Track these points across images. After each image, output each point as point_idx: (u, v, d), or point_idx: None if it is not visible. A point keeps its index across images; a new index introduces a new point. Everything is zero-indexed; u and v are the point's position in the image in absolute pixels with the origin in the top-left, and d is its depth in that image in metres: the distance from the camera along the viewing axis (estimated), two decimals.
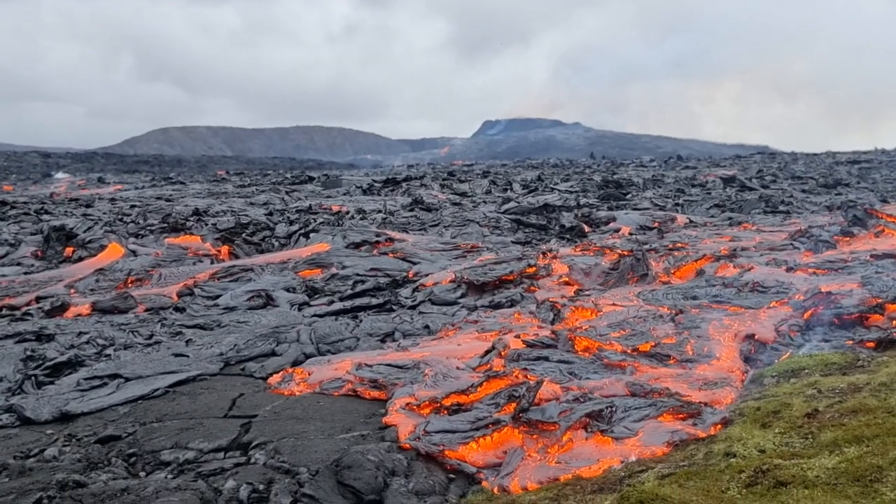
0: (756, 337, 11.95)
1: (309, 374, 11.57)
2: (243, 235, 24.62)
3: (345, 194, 40.95)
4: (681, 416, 8.80)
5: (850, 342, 11.72)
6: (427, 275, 19.07)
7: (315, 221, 26.51)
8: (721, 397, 9.36)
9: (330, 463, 7.81)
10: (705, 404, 9.18)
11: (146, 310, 16.33)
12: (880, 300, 13.15)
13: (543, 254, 20.76)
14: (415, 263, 20.59)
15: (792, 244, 21.01)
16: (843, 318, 12.72)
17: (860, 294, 13.66)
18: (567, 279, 17.75)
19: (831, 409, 7.64)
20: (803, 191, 41.45)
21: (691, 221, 29.15)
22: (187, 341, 13.84)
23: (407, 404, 9.98)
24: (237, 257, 22.82)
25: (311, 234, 23.87)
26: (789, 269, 16.93)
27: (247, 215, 28.50)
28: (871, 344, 11.50)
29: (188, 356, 12.70)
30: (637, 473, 7.17)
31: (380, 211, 30.82)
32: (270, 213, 29.69)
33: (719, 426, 8.17)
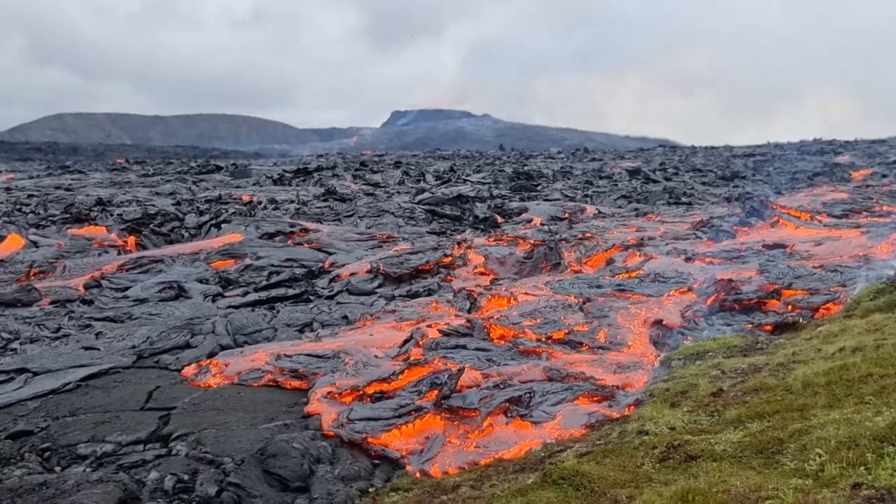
0: (664, 322, 12.52)
1: (227, 366, 11.48)
2: (151, 226, 24.04)
3: (255, 184, 40.32)
4: (596, 398, 9.19)
5: (750, 326, 12.43)
6: (343, 265, 19.09)
7: (226, 212, 26.10)
8: (634, 380, 9.81)
9: (255, 452, 7.85)
10: (618, 387, 9.60)
11: (51, 302, 15.82)
12: (777, 286, 13.94)
13: (458, 244, 21.03)
14: (331, 254, 20.56)
15: (695, 234, 21.94)
16: (743, 303, 13.43)
17: (759, 281, 14.44)
18: (483, 269, 18.10)
19: (734, 388, 8.10)
20: (703, 183, 43.08)
21: (600, 212, 30.00)
22: (97, 334, 13.52)
23: (328, 393, 10.05)
24: (145, 248, 22.29)
25: (223, 225, 23.52)
26: (688, 259, 17.68)
27: (153, 205, 27.82)
28: (769, 327, 12.23)
29: (99, 349, 12.40)
30: (557, 453, 7.47)
31: (293, 201, 30.55)
32: (178, 203, 29.05)
33: (632, 407, 8.58)
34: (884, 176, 44.20)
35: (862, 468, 4.92)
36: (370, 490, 7.71)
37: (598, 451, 6.99)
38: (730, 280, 14.30)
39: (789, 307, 13.08)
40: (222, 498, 6.93)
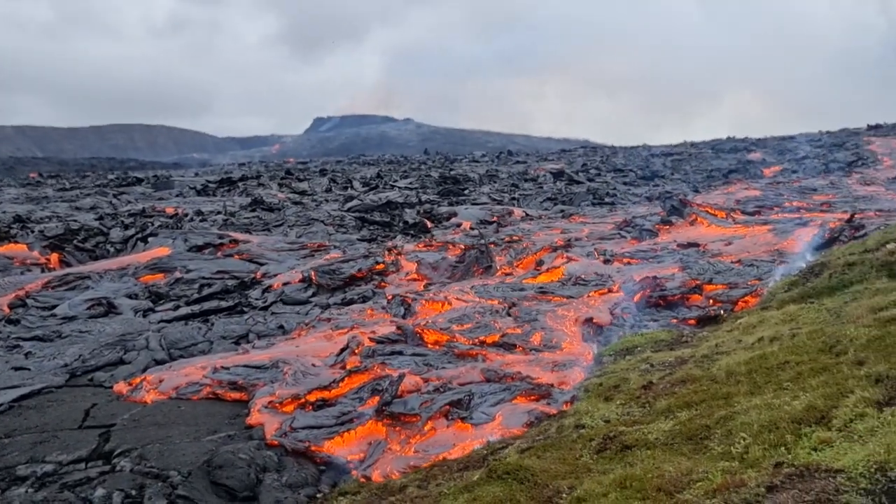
0: (594, 320, 12.96)
1: (164, 381, 11.40)
2: (74, 242, 23.47)
3: (178, 196, 39.66)
4: (534, 397, 9.51)
5: (675, 320, 12.99)
6: (275, 275, 19.05)
7: (152, 225, 25.65)
8: (569, 377, 10.17)
9: (201, 464, 7.90)
10: (554, 385, 9.95)
11: None
12: (698, 282, 14.58)
13: (389, 250, 21.20)
14: (262, 264, 20.48)
15: (619, 233, 22.62)
16: (667, 299, 14.01)
17: (681, 277, 15.07)
18: (416, 274, 18.31)
19: (663, 380, 8.52)
20: (625, 183, 44.24)
21: (527, 215, 30.54)
22: (27, 354, 13.22)
23: (269, 403, 10.12)
24: (70, 265, 21.76)
25: (150, 238, 23.14)
26: (606, 261, 18.16)
27: (76, 220, 27.12)
28: (693, 321, 12.81)
29: (30, 369, 12.19)
30: (499, 450, 7.76)
31: (219, 212, 30.18)
32: (101, 218, 28.40)
33: (569, 403, 8.92)
34: (793, 172, 46.17)
35: (782, 448, 5.32)
36: (318, 496, 7.87)
37: (538, 445, 7.29)
38: (655, 277, 14.87)
39: (711, 301, 13.70)
40: None
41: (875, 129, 72.30)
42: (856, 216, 19.32)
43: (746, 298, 13.32)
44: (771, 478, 4.81)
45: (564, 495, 5.71)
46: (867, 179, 35.38)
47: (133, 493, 7.29)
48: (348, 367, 11.26)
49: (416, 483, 7.42)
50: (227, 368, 11.59)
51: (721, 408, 6.75)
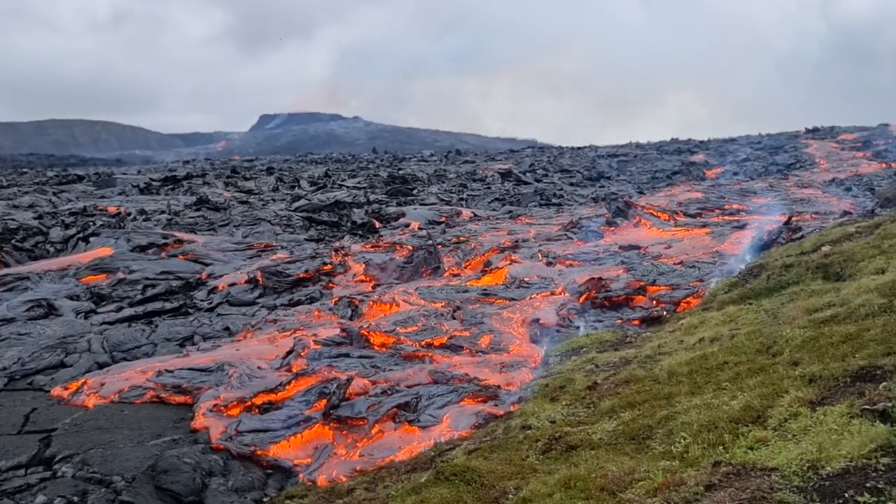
0: (541, 322, 13.13)
1: (106, 384, 11.21)
2: (12, 241, 22.86)
3: (121, 194, 38.80)
4: (481, 398, 9.60)
5: (620, 321, 13.23)
6: (221, 276, 18.84)
7: (94, 224, 25.08)
8: (516, 378, 10.29)
9: (145, 469, 7.83)
10: (500, 386, 10.05)
11: None
12: (643, 283, 14.86)
13: (336, 251, 21.09)
14: (207, 265, 20.22)
15: (566, 235, 22.88)
16: (612, 300, 14.25)
17: (626, 278, 15.34)
18: (364, 275, 18.27)
19: (608, 380, 8.68)
20: (571, 184, 44.71)
21: (476, 215, 30.69)
22: None
23: (214, 406, 10.04)
24: (8, 265, 21.18)
25: (92, 238, 22.64)
26: (549, 263, 18.23)
27: (13, 219, 26.40)
28: (637, 322, 13.05)
29: None
30: (446, 452, 7.83)
31: (163, 211, 29.66)
32: (40, 217, 27.69)
33: (516, 404, 9.03)
34: (735, 174, 47.20)
35: (721, 448, 5.48)
36: (265, 500, 7.86)
37: (485, 447, 7.38)
38: (600, 278, 15.11)
39: (654, 302, 13.98)
40: None
41: (813, 132, 74.40)
42: (793, 219, 19.85)
43: (688, 299, 13.63)
44: (709, 476, 4.96)
45: (511, 496, 5.80)
46: (804, 182, 36.38)
47: (75, 499, 7.20)
48: (294, 370, 11.22)
49: (363, 486, 7.45)
50: (172, 371, 11.45)
51: (663, 408, 6.91)
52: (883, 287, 8.64)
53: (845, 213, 22.97)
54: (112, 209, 30.27)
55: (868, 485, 4.17)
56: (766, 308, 10.36)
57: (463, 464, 6.61)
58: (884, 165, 42.70)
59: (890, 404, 4.81)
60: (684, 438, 5.88)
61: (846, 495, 4.15)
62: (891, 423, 4.68)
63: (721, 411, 6.17)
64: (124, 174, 55.95)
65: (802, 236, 16.35)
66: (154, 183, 42.90)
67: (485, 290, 16.12)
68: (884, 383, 5.40)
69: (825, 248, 12.50)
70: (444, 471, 6.52)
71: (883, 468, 4.29)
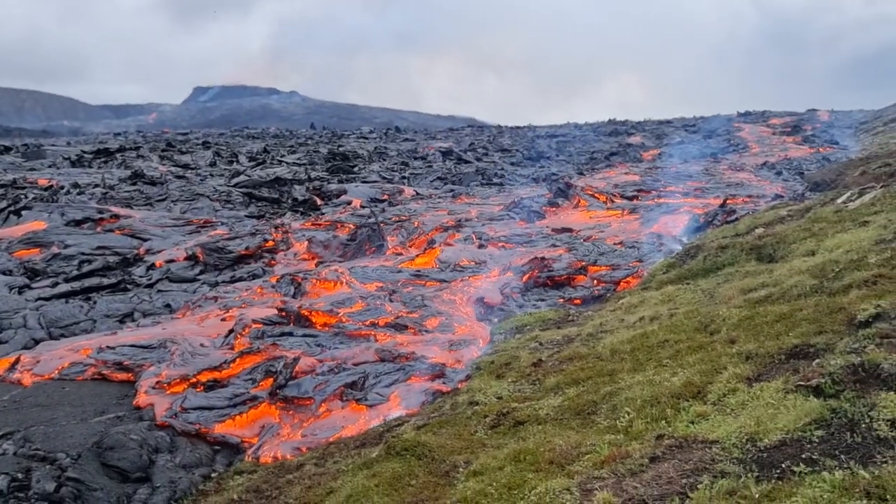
0: (486, 301, 13.31)
1: (45, 361, 11.01)
2: None
3: (51, 166, 37.62)
4: (428, 376, 9.71)
5: (562, 300, 13.50)
6: (160, 251, 18.54)
7: (25, 198, 24.32)
8: (463, 356, 10.44)
9: (90, 446, 7.75)
10: (446, 364, 10.18)
11: None
12: (584, 263, 15.16)
13: (276, 228, 20.90)
14: (145, 240, 19.84)
15: (508, 215, 23.10)
16: (555, 279, 14.52)
17: (568, 258, 15.62)
18: (307, 253, 18.19)
19: (552, 358, 8.90)
20: (512, 163, 45.00)
21: (418, 194, 30.70)
22: None
23: (157, 384, 9.94)
24: None
25: (23, 212, 21.94)
26: (481, 246, 18.28)
27: None
28: (578, 301, 13.33)
29: None
30: (395, 427, 7.95)
31: (97, 185, 28.87)
32: None
33: (463, 381, 9.19)
34: (670, 156, 48.14)
35: (663, 422, 5.72)
36: (212, 476, 7.86)
37: (434, 422, 7.51)
38: (542, 258, 15.36)
39: (595, 282, 14.30)
40: (62, 493, 6.83)
41: (745, 115, 76.31)
42: (728, 202, 20.44)
43: (628, 279, 13.98)
44: (653, 449, 5.17)
45: (461, 469, 5.94)
46: (737, 166, 37.33)
47: (20, 476, 7.08)
48: (238, 348, 11.16)
49: (313, 461, 7.52)
50: (113, 348, 11.30)
51: (606, 384, 7.14)
52: (814, 268, 9.03)
53: (777, 196, 23.73)
54: (43, 182, 29.36)
55: (804, 456, 4.42)
56: (703, 288, 10.72)
57: (413, 439, 6.73)
58: (812, 150, 44.07)
59: (824, 380, 5.08)
60: (628, 413, 6.10)
61: (783, 466, 4.39)
62: (824, 397, 4.95)
63: (663, 387, 6.41)
64: (53, 146, 54.28)
65: (737, 219, 16.88)
66: (86, 155, 41.71)
67: (418, 272, 16.04)
68: (817, 360, 5.68)
69: (758, 231, 12.96)
70: (394, 445, 6.63)
71: (817, 440, 4.55)
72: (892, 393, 4.63)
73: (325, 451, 7.81)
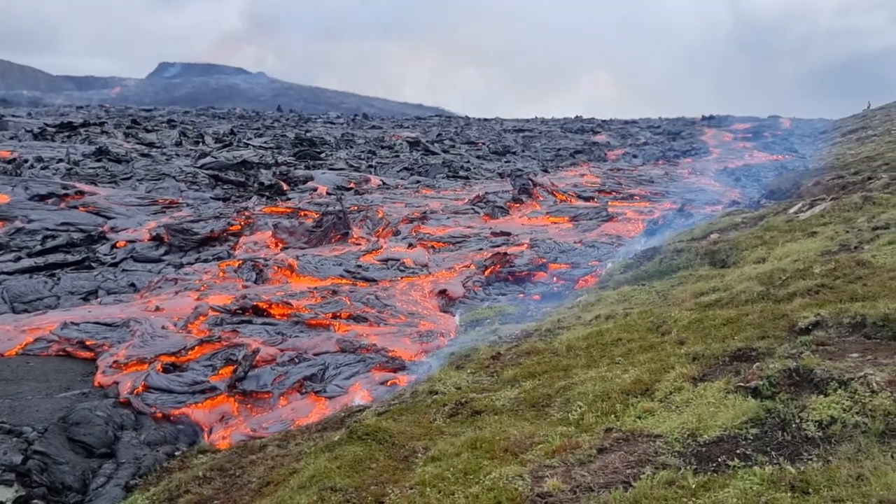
0: (448, 293, 13.60)
1: (8, 337, 11.07)
2: None
3: (13, 138, 37.00)
4: (389, 368, 9.94)
5: (522, 295, 13.84)
6: (124, 230, 18.52)
7: None
8: (423, 347, 10.72)
9: (56, 421, 7.89)
10: (407, 356, 10.42)
11: None
12: (544, 260, 15.53)
13: (238, 212, 20.88)
14: (110, 218, 19.78)
15: (473, 209, 23.39)
16: (516, 275, 14.87)
17: (530, 255, 15.98)
18: (272, 238, 18.28)
19: (510, 351, 9.22)
20: (478, 157, 45.32)
21: (384, 183, 30.85)
22: None
23: (114, 363, 10.02)
24: None
25: None
26: (410, 246, 18.01)
27: None
28: (537, 297, 13.69)
29: None
30: (356, 413, 8.21)
31: (62, 160, 28.55)
32: None
33: (423, 372, 9.47)
34: (634, 156, 48.85)
35: (612, 416, 6.06)
36: (177, 454, 8.06)
37: (394, 409, 7.80)
38: (505, 254, 15.71)
39: (555, 279, 14.67)
40: (28, 465, 6.99)
41: (709, 119, 77.52)
42: (686, 207, 20.96)
43: (587, 278, 14.37)
44: (602, 441, 5.51)
45: (420, 455, 6.23)
46: (697, 170, 38.06)
47: None
48: (198, 335, 11.15)
49: (275, 443, 7.75)
50: (77, 325, 11.39)
51: (561, 378, 7.48)
52: (762, 275, 9.47)
53: (733, 202, 24.35)
54: (5, 154, 28.97)
55: (738, 451, 4.79)
56: (658, 289, 11.12)
57: (374, 424, 7.00)
58: (772, 157, 45.02)
59: (762, 382, 5.46)
60: (580, 407, 6.45)
61: (719, 460, 4.75)
62: (761, 398, 5.32)
63: (614, 383, 6.76)
64: (14, 116, 53.31)
65: (694, 223, 17.38)
66: (49, 128, 41.10)
67: (359, 266, 15.90)
68: (757, 363, 6.06)
69: (713, 236, 13.42)
70: (356, 430, 6.89)
71: (751, 437, 4.92)
72: (822, 396, 5.02)
73: (288, 434, 8.05)
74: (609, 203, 25.01)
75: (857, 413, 4.74)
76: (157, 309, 12.68)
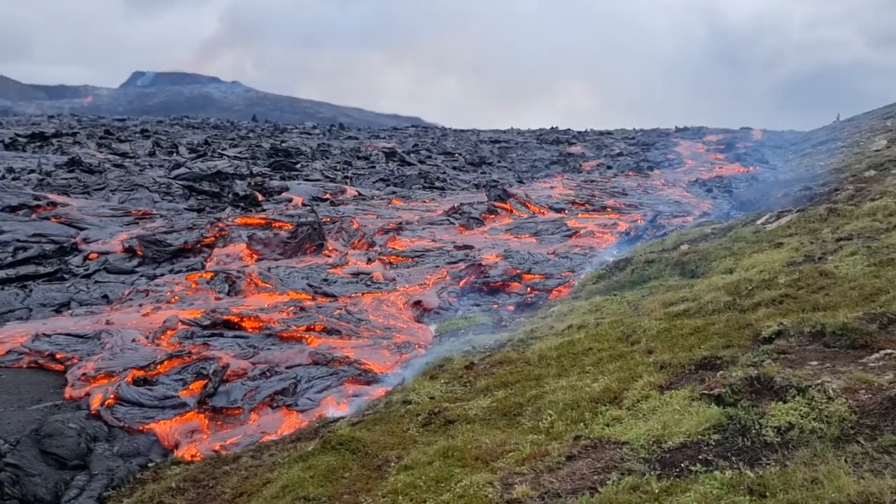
0: (423, 304, 13.70)
1: None
2: None
3: None
4: (361, 382, 9.99)
5: (496, 306, 13.97)
6: (97, 241, 18.43)
7: None
8: (398, 359, 10.80)
9: (28, 433, 7.90)
10: (381, 368, 10.45)
11: None
12: (518, 271, 15.68)
13: (212, 223, 20.77)
14: (82, 229, 19.66)
15: (448, 220, 23.54)
16: (490, 285, 15.01)
17: (504, 266, 16.13)
18: (247, 249, 18.27)
19: (483, 361, 9.33)
20: (454, 168, 45.51)
21: (360, 194, 30.90)
22: None
23: (83, 376, 9.98)
24: None
25: None
26: (370, 261, 17.82)
27: None
28: (511, 307, 13.83)
29: None
30: (330, 423, 8.29)
31: (33, 171, 28.33)
32: None
33: (397, 384, 9.55)
34: (608, 167, 49.27)
35: (582, 424, 6.20)
36: (150, 465, 8.09)
37: (368, 419, 7.89)
38: (480, 265, 15.85)
39: (529, 289, 14.83)
40: (0, 478, 7.01)
41: (682, 131, 78.38)
42: (658, 218, 21.24)
43: (560, 288, 14.54)
44: (570, 448, 5.65)
45: (393, 464, 6.33)
46: (670, 182, 38.49)
47: None
48: (169, 349, 11.09)
49: (249, 454, 7.82)
50: (49, 337, 11.36)
51: (533, 388, 7.61)
52: (729, 286, 9.67)
53: (704, 213, 24.70)
54: None
55: (700, 457, 4.94)
56: (629, 300, 11.31)
57: (348, 434, 7.09)
58: (743, 168, 45.60)
59: (724, 390, 5.61)
60: (551, 415, 6.58)
61: (682, 465, 4.90)
62: (723, 405, 5.48)
63: (584, 392, 6.91)
64: None
65: (665, 234, 17.62)
66: (20, 138, 40.70)
67: (325, 279, 15.86)
68: (721, 372, 6.24)
69: (683, 247, 13.65)
70: (330, 440, 6.98)
71: (713, 443, 5.08)
72: (781, 403, 5.18)
73: (262, 445, 8.12)
74: (578, 215, 25.20)
75: (813, 419, 4.91)
76: (130, 319, 12.64)
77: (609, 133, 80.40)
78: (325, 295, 14.47)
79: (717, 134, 73.38)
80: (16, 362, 10.48)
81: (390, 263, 17.47)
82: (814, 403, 5.04)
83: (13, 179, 25.84)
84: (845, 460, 4.40)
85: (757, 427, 5.05)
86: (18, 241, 17.65)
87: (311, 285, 14.99)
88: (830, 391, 5.09)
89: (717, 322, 8.12)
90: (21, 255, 16.60)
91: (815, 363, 6.00)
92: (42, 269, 15.70)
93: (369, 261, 17.66)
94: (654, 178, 39.98)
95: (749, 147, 59.15)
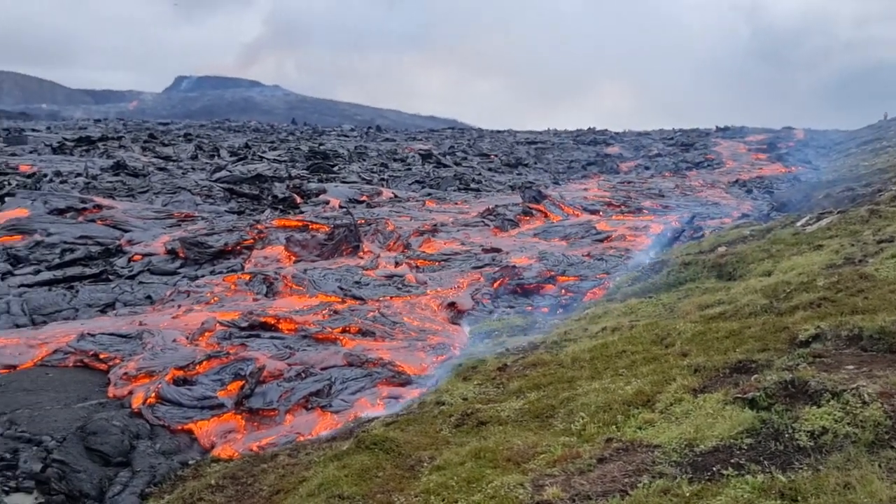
0: (457, 306, 13.77)
1: (26, 347, 11.30)
2: None
3: (32, 152, 37.53)
4: (395, 384, 10.08)
5: (530, 308, 14.00)
6: (141, 243, 18.81)
7: (9, 184, 24.44)
8: (434, 360, 10.88)
9: (74, 430, 8.13)
10: (415, 370, 10.53)
11: None
12: (553, 273, 15.68)
13: (250, 226, 21.05)
14: (127, 231, 20.09)
15: (483, 222, 23.57)
16: (524, 287, 15.03)
17: (538, 267, 16.14)
18: (285, 251, 18.48)
19: (516, 363, 9.37)
20: (490, 169, 45.50)
21: (396, 196, 31.06)
22: None
23: (126, 374, 10.19)
24: None
25: (6, 198, 22.09)
26: (397, 264, 17.75)
27: None
28: (545, 309, 13.84)
29: None
30: (364, 423, 8.39)
31: (80, 174, 28.96)
32: None
33: (430, 384, 9.64)
34: (646, 168, 48.91)
35: (614, 427, 6.22)
36: (190, 462, 8.27)
37: (402, 420, 7.97)
38: (514, 266, 15.87)
39: (563, 291, 14.82)
40: (47, 473, 7.22)
41: (723, 130, 77.31)
42: (695, 220, 21.07)
43: (595, 290, 14.51)
44: (602, 451, 5.67)
45: (426, 464, 6.41)
46: (709, 182, 38.06)
47: (7, 456, 7.45)
48: (207, 349, 11.24)
49: (286, 452, 7.95)
50: (94, 337, 11.60)
51: (565, 390, 7.64)
52: (766, 289, 9.59)
53: (743, 215, 24.43)
54: (25, 168, 29.42)
55: (732, 461, 4.93)
56: (665, 302, 11.25)
57: (382, 434, 7.19)
58: (785, 169, 44.95)
59: (758, 394, 5.60)
60: (583, 418, 6.60)
61: (714, 469, 4.90)
62: (757, 409, 5.47)
63: (616, 395, 6.92)
64: (34, 131, 54.07)
65: (703, 236, 17.48)
66: (67, 142, 41.65)
67: (357, 282, 15.89)
68: (755, 375, 6.21)
69: (721, 249, 13.53)
70: (364, 440, 7.08)
71: (746, 447, 5.07)
72: (814, 407, 5.16)
73: (299, 444, 8.26)
74: (613, 217, 25.02)
75: (848, 424, 4.88)
76: (172, 320, 12.89)
77: (647, 133, 79.64)
78: (355, 298, 14.54)
79: (758, 134, 72.24)
80: (62, 361, 10.73)
81: (417, 267, 17.51)
82: (848, 408, 5.00)
83: (61, 183, 26.48)
84: (879, 465, 4.37)
85: (790, 431, 5.03)
86: (66, 242, 18.10)
87: (342, 288, 15.09)
88: (866, 396, 5.05)
89: (754, 325, 8.06)
90: (68, 257, 17.02)
91: (851, 367, 5.94)
92: (88, 271, 16.08)
93: (397, 264, 17.72)
94: (693, 179, 39.56)
95: (791, 147, 58.23)
